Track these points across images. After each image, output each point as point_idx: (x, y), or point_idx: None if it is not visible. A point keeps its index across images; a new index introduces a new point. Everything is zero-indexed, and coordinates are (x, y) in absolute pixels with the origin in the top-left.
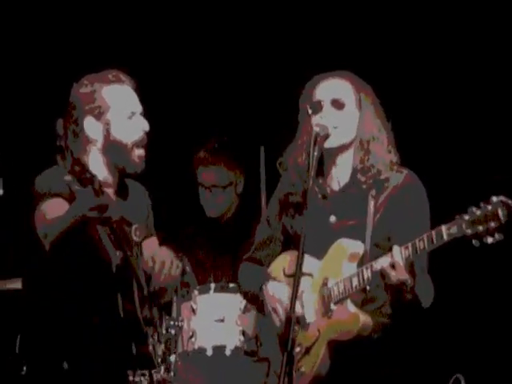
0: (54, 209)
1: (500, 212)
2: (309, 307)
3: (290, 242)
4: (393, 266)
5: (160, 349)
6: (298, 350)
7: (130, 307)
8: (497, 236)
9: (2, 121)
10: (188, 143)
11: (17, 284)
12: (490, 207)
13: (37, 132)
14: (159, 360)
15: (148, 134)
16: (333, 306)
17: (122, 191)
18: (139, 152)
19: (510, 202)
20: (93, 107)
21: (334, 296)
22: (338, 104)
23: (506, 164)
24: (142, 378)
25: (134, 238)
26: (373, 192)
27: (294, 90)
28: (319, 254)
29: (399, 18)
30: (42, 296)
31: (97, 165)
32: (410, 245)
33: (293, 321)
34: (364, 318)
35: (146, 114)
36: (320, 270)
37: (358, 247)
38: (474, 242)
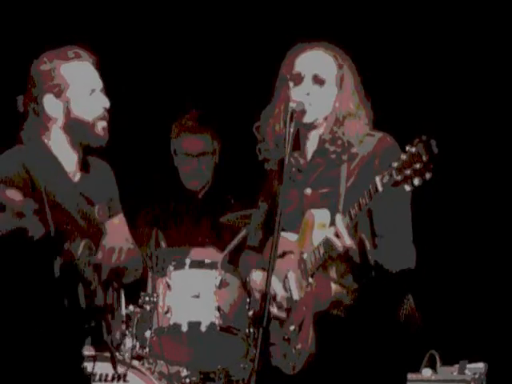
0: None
1: (421, 151)
2: (293, 285)
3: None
4: (336, 234)
5: (119, 330)
6: (291, 328)
7: (76, 302)
8: (427, 175)
9: None
10: (154, 117)
11: None
12: (413, 149)
13: None
14: (118, 342)
15: (110, 109)
16: (310, 280)
17: (85, 169)
18: (102, 124)
19: (428, 139)
20: (52, 85)
21: (309, 269)
22: (318, 80)
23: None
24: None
25: (97, 218)
26: (345, 158)
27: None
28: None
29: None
30: None
31: (59, 143)
32: (349, 209)
33: (268, 297)
34: (335, 287)
35: (109, 89)
36: (298, 245)
37: (324, 216)
38: (405, 186)
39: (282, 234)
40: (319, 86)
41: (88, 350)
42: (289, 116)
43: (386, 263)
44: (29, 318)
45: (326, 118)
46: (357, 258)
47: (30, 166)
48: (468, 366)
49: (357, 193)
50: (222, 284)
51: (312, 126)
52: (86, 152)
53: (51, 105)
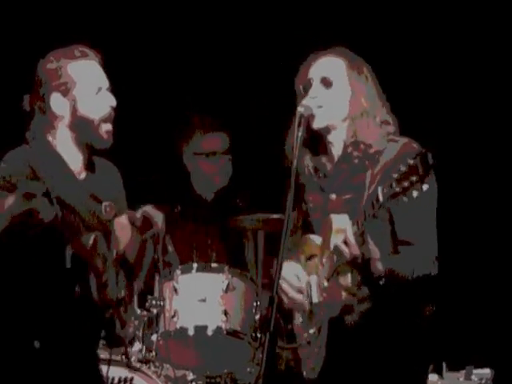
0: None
1: (418, 164)
2: (314, 288)
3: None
4: (345, 242)
5: (132, 325)
6: (311, 331)
7: (88, 295)
8: (424, 187)
9: None
10: (160, 118)
11: None
12: (411, 161)
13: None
14: (131, 337)
15: (115, 109)
16: (326, 284)
17: (90, 169)
18: (106, 127)
19: (425, 152)
20: (59, 83)
21: (325, 273)
22: (326, 82)
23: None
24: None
25: (105, 216)
26: (368, 164)
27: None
28: None
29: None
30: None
31: (64, 142)
32: (356, 218)
33: (274, 301)
34: (345, 294)
35: (114, 89)
36: (320, 249)
37: (342, 221)
38: (404, 198)
39: (311, 236)
40: (326, 88)
41: (103, 351)
42: (296, 121)
43: (406, 270)
44: (40, 308)
45: (344, 120)
46: (366, 266)
47: (35, 165)
48: (474, 371)
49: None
50: (229, 288)
51: (328, 130)
52: (92, 152)
53: (58, 103)
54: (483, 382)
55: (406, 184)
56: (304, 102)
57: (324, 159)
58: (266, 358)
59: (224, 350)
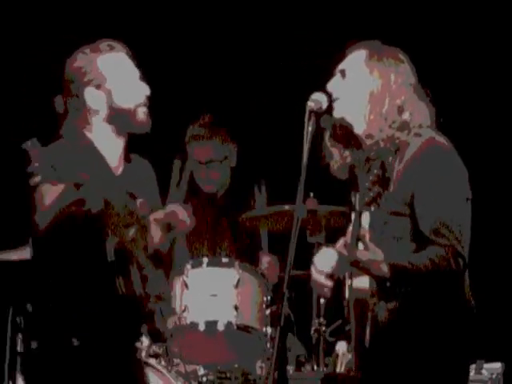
0: (51, 194)
1: (380, 173)
2: (347, 284)
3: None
4: (345, 245)
5: (169, 322)
6: (347, 327)
7: (130, 288)
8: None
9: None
10: (178, 117)
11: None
12: (375, 171)
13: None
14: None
15: (149, 97)
16: (348, 281)
17: (127, 165)
18: (142, 110)
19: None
20: (91, 78)
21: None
22: (342, 74)
23: None
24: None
25: (140, 212)
26: (390, 160)
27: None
28: None
29: None
30: (44, 273)
31: (102, 135)
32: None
33: (285, 296)
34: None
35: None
36: None
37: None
38: (374, 207)
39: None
40: (343, 80)
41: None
42: (307, 115)
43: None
44: (81, 302)
45: (365, 112)
46: (370, 268)
47: (74, 159)
48: (485, 365)
49: (400, 196)
50: (240, 283)
51: (349, 123)
52: (130, 144)
53: (93, 97)
54: (494, 376)
55: (372, 194)
56: (313, 96)
57: (346, 154)
58: (276, 353)
59: (235, 345)
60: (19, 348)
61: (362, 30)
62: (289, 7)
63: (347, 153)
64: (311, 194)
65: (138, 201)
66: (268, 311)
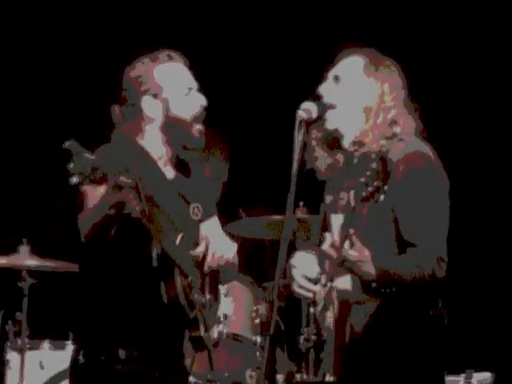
0: (93, 197)
1: (379, 168)
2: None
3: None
4: (332, 245)
5: (212, 331)
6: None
7: (174, 295)
8: (385, 189)
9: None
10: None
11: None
12: (374, 166)
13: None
14: (215, 340)
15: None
16: (329, 284)
17: (181, 169)
18: (198, 127)
19: (387, 156)
20: (149, 87)
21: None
22: (336, 80)
23: None
24: None
25: (192, 217)
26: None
27: None
28: None
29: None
30: (90, 284)
31: (154, 144)
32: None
33: (275, 305)
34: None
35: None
36: None
37: (338, 220)
38: (372, 202)
39: (327, 235)
40: (337, 87)
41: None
42: (297, 124)
43: (406, 271)
44: (125, 308)
45: (356, 120)
46: (355, 268)
47: (125, 161)
48: (474, 375)
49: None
50: (229, 292)
51: (339, 133)
52: (182, 153)
53: (150, 106)
54: None
55: (370, 189)
56: (304, 105)
57: (340, 157)
58: (266, 362)
59: (224, 354)
60: (7, 356)
61: (355, 32)
62: (288, 7)
63: (340, 155)
64: (301, 203)
65: (192, 206)
66: (258, 320)
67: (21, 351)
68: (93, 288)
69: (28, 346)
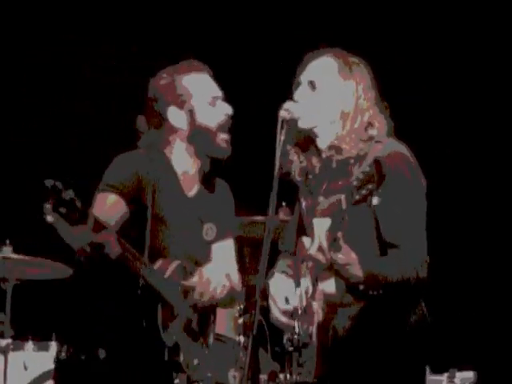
0: (101, 208)
1: (374, 171)
2: (303, 291)
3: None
4: (319, 248)
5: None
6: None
7: (155, 326)
8: (380, 192)
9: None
10: None
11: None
12: (367, 169)
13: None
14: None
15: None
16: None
17: (208, 184)
18: (224, 136)
19: (381, 159)
20: (175, 97)
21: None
22: (312, 85)
23: None
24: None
25: (205, 238)
26: (350, 169)
27: None
28: None
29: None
30: (79, 297)
31: (181, 156)
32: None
33: (257, 305)
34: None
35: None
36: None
37: (321, 226)
38: (365, 205)
39: (304, 239)
40: (313, 91)
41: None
42: (279, 125)
43: (390, 272)
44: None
45: (331, 123)
46: (343, 272)
47: (144, 174)
48: (457, 374)
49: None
50: None
51: (314, 132)
52: (210, 167)
53: (176, 116)
54: None
55: (364, 192)
56: (286, 105)
57: (314, 160)
58: (249, 362)
59: (207, 354)
60: None
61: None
62: (289, 7)
63: (315, 159)
64: (284, 204)
65: (205, 226)
66: (241, 320)
67: (4, 352)
68: (82, 290)
69: (11, 347)
